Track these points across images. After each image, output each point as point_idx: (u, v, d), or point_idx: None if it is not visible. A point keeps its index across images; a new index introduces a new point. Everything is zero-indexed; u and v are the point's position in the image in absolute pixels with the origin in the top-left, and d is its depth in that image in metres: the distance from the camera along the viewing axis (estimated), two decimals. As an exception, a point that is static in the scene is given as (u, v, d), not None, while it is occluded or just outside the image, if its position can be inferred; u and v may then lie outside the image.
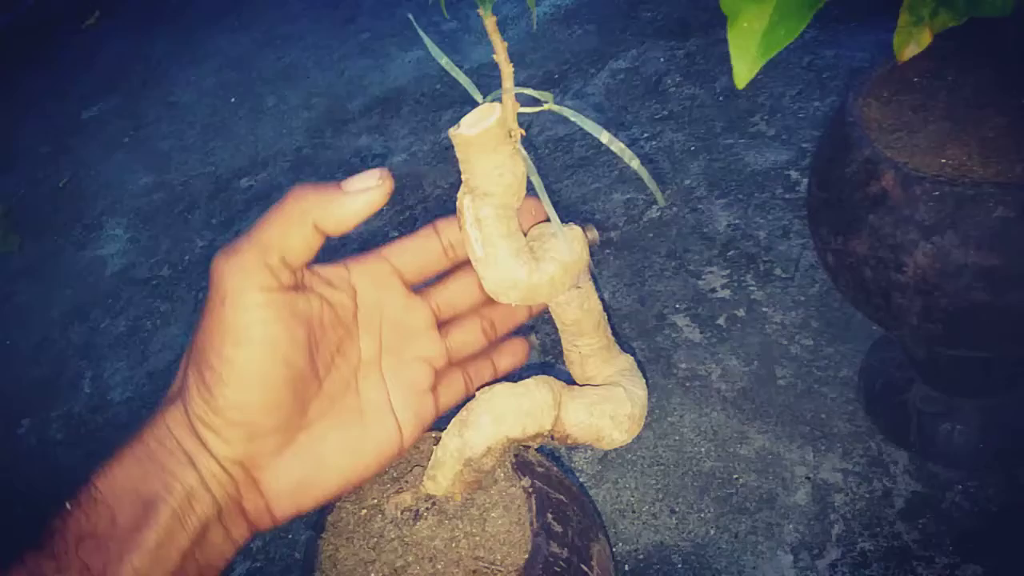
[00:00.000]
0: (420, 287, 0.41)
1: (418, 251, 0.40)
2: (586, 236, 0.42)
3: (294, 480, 0.36)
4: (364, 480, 0.40)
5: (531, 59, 1.57)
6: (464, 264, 0.41)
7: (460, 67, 0.38)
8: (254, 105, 1.81)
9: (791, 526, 0.76)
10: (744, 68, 0.36)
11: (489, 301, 0.42)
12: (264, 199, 1.51)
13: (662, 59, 1.44)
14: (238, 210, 1.51)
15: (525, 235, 0.41)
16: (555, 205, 0.39)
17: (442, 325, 0.41)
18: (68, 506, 0.31)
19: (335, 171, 1.48)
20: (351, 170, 1.45)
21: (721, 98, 1.30)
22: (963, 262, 0.51)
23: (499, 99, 0.37)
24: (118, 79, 2.12)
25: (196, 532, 0.33)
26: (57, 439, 1.19)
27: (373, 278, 0.38)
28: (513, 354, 0.44)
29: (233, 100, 1.86)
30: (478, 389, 0.40)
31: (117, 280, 1.46)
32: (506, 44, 0.36)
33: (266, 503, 0.36)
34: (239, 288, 0.32)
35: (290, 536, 0.90)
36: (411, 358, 0.39)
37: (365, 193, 0.34)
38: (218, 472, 0.34)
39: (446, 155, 1.37)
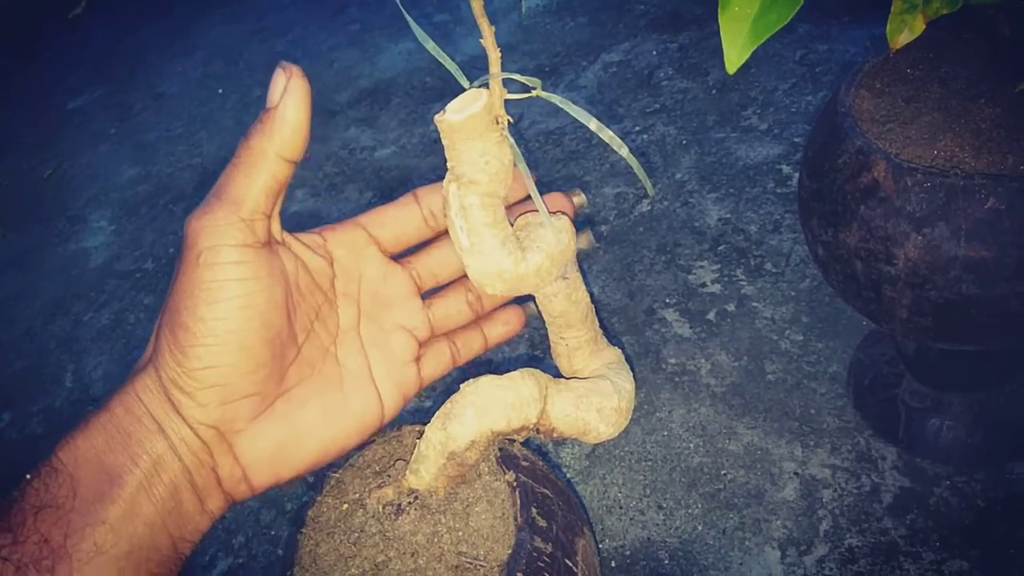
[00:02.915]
0: (401, 256, 0.40)
1: (396, 219, 0.38)
2: (573, 200, 0.41)
3: (271, 446, 0.35)
4: (344, 450, 0.38)
5: (523, 51, 1.56)
6: (446, 233, 0.40)
7: (453, 62, 0.37)
8: (241, 97, 1.79)
9: (779, 522, 0.75)
10: (735, 53, 0.35)
11: None
12: (251, 191, 1.49)
13: (654, 52, 1.43)
14: (225, 202, 1.49)
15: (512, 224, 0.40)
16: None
17: (426, 297, 0.40)
18: (28, 477, 0.30)
19: (323, 163, 1.47)
20: (340, 162, 1.45)
21: (713, 92, 1.29)
22: (954, 254, 0.51)
23: (486, 85, 0.36)
24: (104, 70, 2.10)
25: (164, 502, 0.32)
26: (38, 433, 1.18)
27: (350, 246, 0.38)
28: (506, 323, 0.42)
29: (221, 91, 1.84)
30: (467, 379, 0.39)
31: (101, 273, 1.44)
32: (493, 29, 0.35)
33: (243, 471, 0.35)
34: (213, 245, 0.31)
35: (273, 533, 0.89)
36: (391, 327, 0.38)
37: (289, 94, 0.32)
38: (190, 438, 0.33)
39: (435, 148, 1.36)
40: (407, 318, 0.39)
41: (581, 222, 0.89)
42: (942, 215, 0.51)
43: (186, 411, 0.32)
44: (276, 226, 0.34)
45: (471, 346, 0.41)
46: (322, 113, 1.62)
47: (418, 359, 0.39)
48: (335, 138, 1.53)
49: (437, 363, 0.40)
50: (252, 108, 1.74)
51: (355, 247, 0.38)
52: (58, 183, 1.75)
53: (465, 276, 0.41)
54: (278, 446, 0.35)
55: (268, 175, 0.32)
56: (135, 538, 0.31)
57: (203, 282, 0.31)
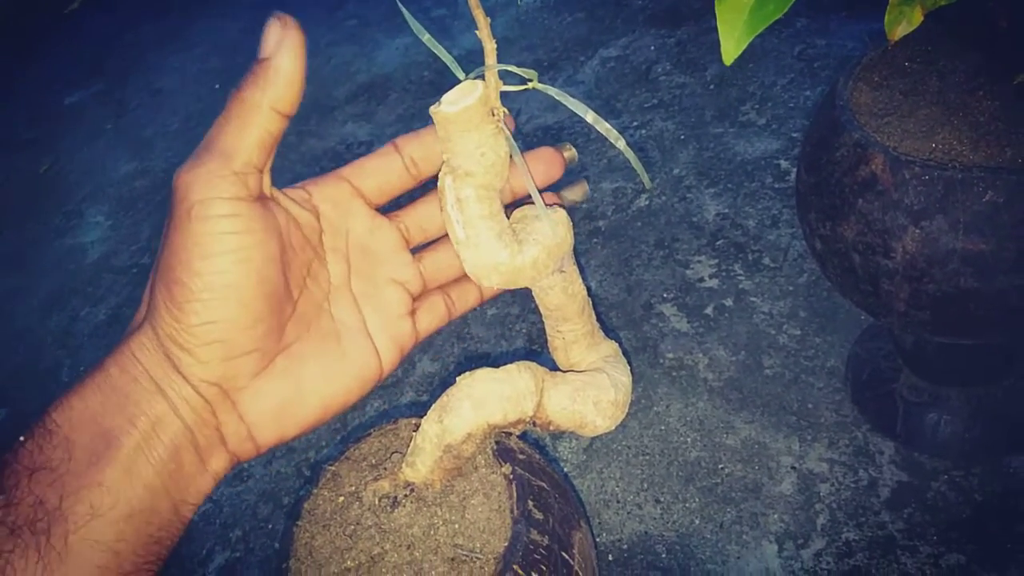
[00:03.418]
0: (387, 211, 0.39)
1: (378, 170, 0.38)
2: (563, 155, 0.40)
3: (275, 403, 0.34)
4: (345, 406, 0.37)
5: (520, 46, 1.56)
6: (433, 186, 0.39)
7: (448, 54, 0.37)
8: (239, 92, 1.79)
9: (776, 516, 0.75)
10: (732, 44, 0.35)
11: None
12: (248, 186, 1.49)
13: (652, 47, 1.43)
14: (222, 197, 1.49)
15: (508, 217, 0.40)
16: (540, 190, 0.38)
17: (416, 250, 0.39)
18: (22, 439, 0.30)
19: (320, 158, 1.47)
20: (336, 157, 1.44)
21: (712, 87, 1.29)
22: (952, 247, 0.51)
23: (482, 76, 0.36)
24: (101, 65, 2.09)
25: (163, 464, 0.31)
26: (36, 428, 1.17)
27: (334, 200, 0.37)
28: None
29: (218, 87, 1.83)
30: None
31: (97, 268, 1.44)
32: (489, 20, 0.35)
33: (247, 428, 0.34)
34: (205, 198, 0.30)
35: (270, 526, 0.89)
36: (383, 282, 0.38)
37: (284, 45, 0.31)
38: (191, 396, 0.32)
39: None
40: (398, 272, 0.38)
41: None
42: (940, 208, 0.51)
43: (186, 368, 0.32)
44: (267, 181, 0.34)
45: (466, 298, 0.41)
46: (319, 108, 1.62)
47: (412, 312, 0.38)
48: (332, 133, 1.53)
49: (432, 316, 0.40)
50: (249, 103, 1.73)
51: (340, 201, 0.37)
52: (55, 179, 1.75)
53: None
54: (282, 403, 0.35)
55: (261, 128, 0.31)
56: (134, 500, 0.30)
57: (197, 235, 0.30)
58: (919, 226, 0.52)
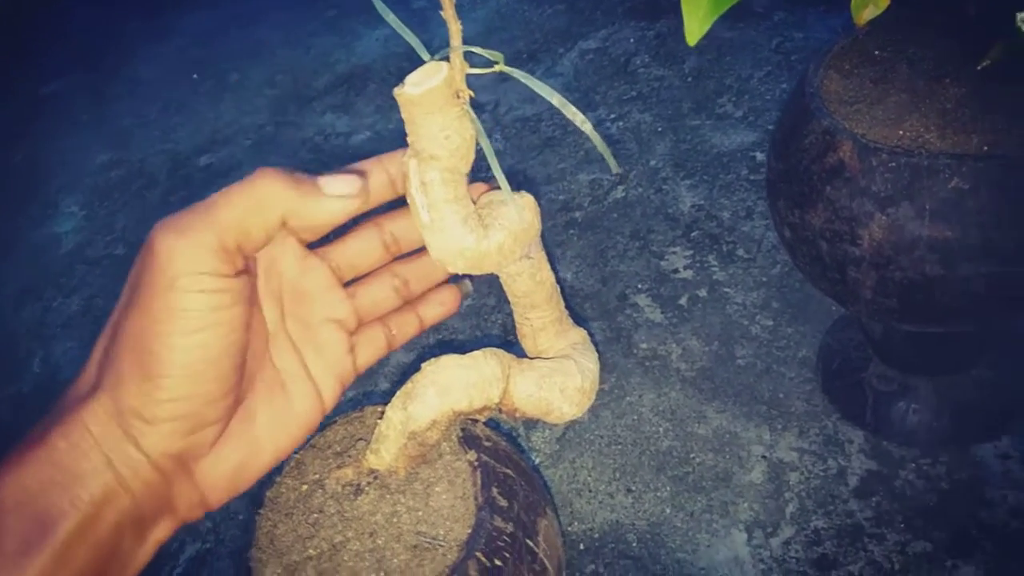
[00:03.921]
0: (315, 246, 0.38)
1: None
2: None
3: (232, 465, 0.33)
4: (292, 450, 0.37)
5: (500, 38, 1.55)
6: (364, 223, 0.38)
7: (428, 46, 0.36)
8: (217, 82, 1.77)
9: (746, 504, 0.76)
10: (695, 24, 0.35)
11: (401, 258, 0.39)
12: (224, 176, 1.48)
13: (631, 40, 1.43)
14: (197, 187, 1.48)
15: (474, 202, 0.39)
16: (520, 185, 0.38)
17: (349, 285, 0.38)
18: None
19: (298, 149, 1.45)
20: (314, 148, 1.43)
21: (689, 79, 1.29)
22: (917, 234, 0.51)
23: (447, 58, 0.36)
24: (78, 55, 2.06)
25: (101, 547, 0.29)
26: (5, 420, 1.16)
27: (271, 247, 0.35)
28: (441, 304, 0.40)
29: (196, 77, 1.81)
30: (420, 360, 0.39)
31: (71, 258, 1.42)
32: (453, 0, 0.34)
33: (201, 494, 0.33)
34: (192, 272, 0.28)
35: (241, 518, 0.89)
36: (318, 321, 0.36)
37: (345, 201, 0.31)
38: (144, 469, 0.30)
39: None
40: (332, 310, 0.37)
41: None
42: (906, 195, 0.51)
43: (147, 441, 0.30)
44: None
45: (406, 329, 0.39)
46: (298, 99, 1.60)
47: (352, 348, 0.38)
48: (310, 124, 1.52)
49: (372, 348, 0.39)
50: (227, 94, 1.72)
51: (273, 243, 0.35)
52: (29, 168, 1.72)
53: (389, 263, 0.39)
54: (238, 463, 0.34)
55: (264, 227, 0.30)
56: None
57: (180, 310, 0.28)
58: (885, 213, 0.52)
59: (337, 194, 0.32)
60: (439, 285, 0.41)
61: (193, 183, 1.49)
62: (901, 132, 0.53)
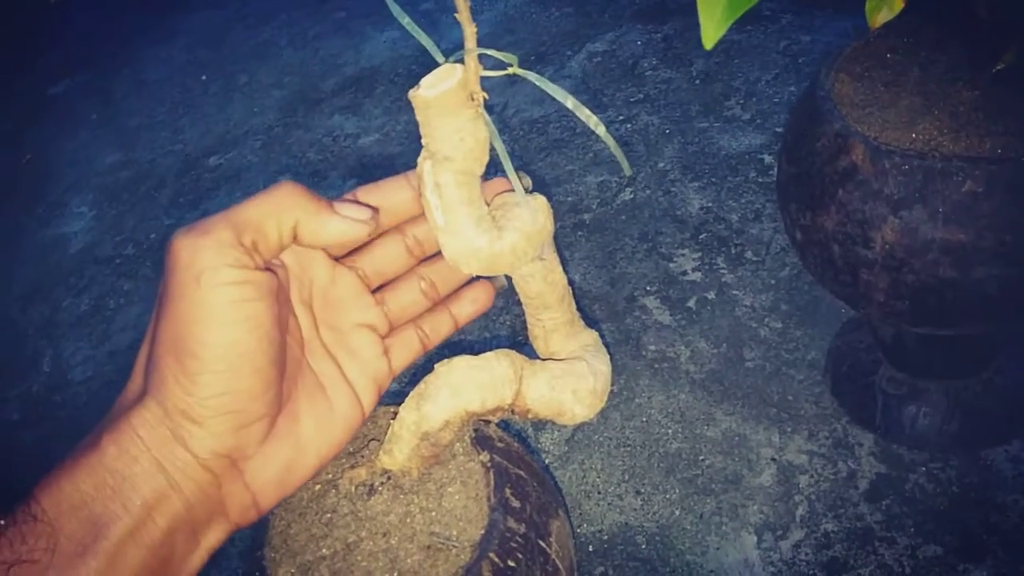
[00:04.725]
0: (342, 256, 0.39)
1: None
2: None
3: (280, 466, 0.34)
4: (334, 454, 0.38)
5: (508, 40, 1.55)
6: (389, 231, 0.39)
7: (437, 47, 0.36)
8: (225, 83, 1.77)
9: (756, 507, 0.76)
10: (712, 27, 0.35)
11: (425, 261, 0.40)
12: (233, 178, 1.48)
13: (639, 42, 1.43)
14: (206, 188, 1.48)
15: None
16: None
17: (377, 291, 0.39)
18: (3, 523, 0.28)
19: (306, 150, 1.46)
20: (323, 150, 1.44)
21: (697, 82, 1.29)
22: (930, 237, 0.51)
23: (461, 60, 0.36)
24: (86, 55, 2.07)
25: (154, 550, 0.30)
26: (14, 419, 1.16)
27: (297, 252, 0.36)
28: (474, 301, 0.41)
29: (204, 78, 1.82)
30: (440, 357, 0.39)
31: (80, 258, 1.42)
32: (468, 3, 0.34)
33: (252, 496, 0.33)
34: (215, 265, 0.29)
35: (252, 517, 0.89)
36: (350, 327, 0.37)
37: (353, 223, 0.33)
38: (196, 471, 0.31)
39: (419, 135, 1.35)
40: (362, 316, 0.38)
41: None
42: (919, 198, 0.51)
43: (196, 442, 0.30)
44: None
45: (439, 329, 0.40)
46: (306, 100, 1.61)
47: (386, 351, 0.38)
48: (319, 125, 1.52)
49: (407, 351, 0.39)
50: (236, 94, 1.72)
51: (302, 253, 0.36)
52: (37, 169, 1.73)
53: (415, 266, 0.40)
54: (286, 465, 0.34)
55: (278, 230, 0.31)
56: None
57: (208, 304, 0.29)
58: (898, 216, 0.52)
59: (347, 215, 0.33)
60: (471, 282, 0.41)
61: (202, 184, 1.50)
62: (914, 135, 0.53)
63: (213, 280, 0.29)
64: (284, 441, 0.34)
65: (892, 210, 0.52)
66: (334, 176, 1.35)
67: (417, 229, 0.39)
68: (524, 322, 0.44)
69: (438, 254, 0.40)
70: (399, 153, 1.37)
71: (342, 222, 0.33)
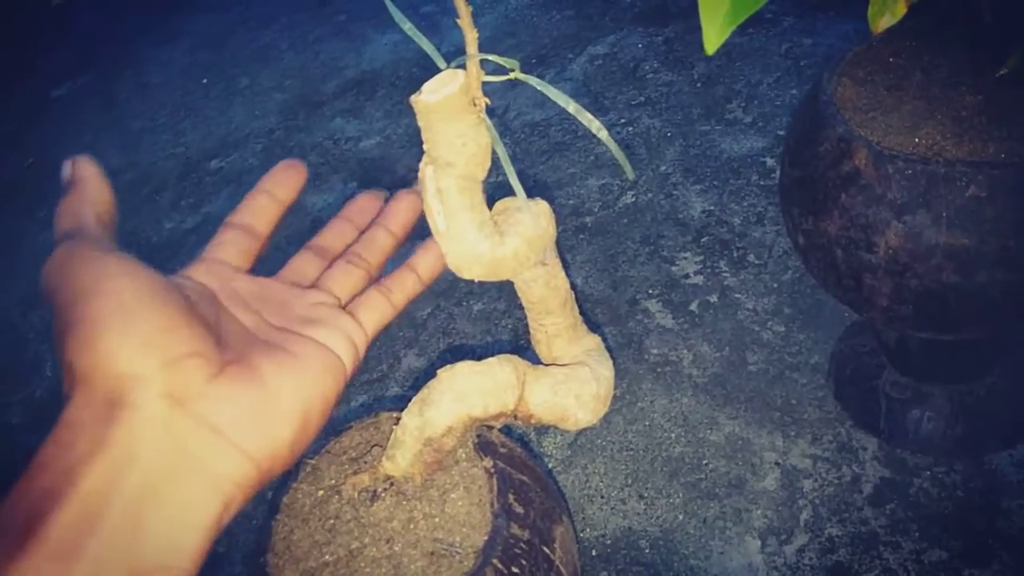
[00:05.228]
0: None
1: (235, 239, 0.37)
2: None
3: (245, 406, 0.31)
4: (328, 405, 0.34)
5: (509, 43, 1.55)
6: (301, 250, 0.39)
7: (438, 51, 0.36)
8: (227, 86, 1.78)
9: (759, 511, 0.75)
10: (714, 33, 0.35)
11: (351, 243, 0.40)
12: (234, 181, 1.48)
13: (640, 45, 1.43)
14: (207, 191, 1.48)
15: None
16: (531, 190, 0.38)
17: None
18: None
19: (307, 153, 1.46)
20: (324, 153, 1.44)
21: (698, 85, 1.29)
22: (934, 242, 0.51)
23: (463, 66, 0.36)
24: (89, 58, 2.07)
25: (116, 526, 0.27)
26: (16, 424, 1.16)
27: (218, 274, 0.36)
28: (436, 255, 0.39)
29: (205, 81, 1.82)
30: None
31: (82, 262, 1.42)
32: (471, 8, 0.34)
33: (229, 440, 0.31)
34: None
35: (254, 522, 0.88)
36: (299, 310, 0.36)
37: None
38: (137, 419, 0.28)
39: (420, 139, 1.35)
40: (305, 297, 0.37)
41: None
42: (923, 203, 0.51)
43: (130, 395, 0.29)
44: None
45: (405, 285, 0.39)
46: (307, 104, 1.61)
47: (351, 314, 0.37)
48: (320, 128, 1.52)
49: (374, 312, 0.38)
50: (237, 98, 1.72)
51: (222, 275, 0.36)
52: (39, 172, 1.73)
53: (336, 257, 0.40)
54: (252, 404, 0.32)
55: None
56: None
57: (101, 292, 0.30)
58: (902, 220, 0.52)
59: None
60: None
61: (203, 187, 1.50)
62: (917, 140, 0.52)
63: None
64: (241, 382, 0.32)
65: (895, 215, 0.52)
66: (335, 179, 1.35)
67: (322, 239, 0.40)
68: (526, 325, 0.44)
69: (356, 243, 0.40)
70: (400, 156, 1.37)
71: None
